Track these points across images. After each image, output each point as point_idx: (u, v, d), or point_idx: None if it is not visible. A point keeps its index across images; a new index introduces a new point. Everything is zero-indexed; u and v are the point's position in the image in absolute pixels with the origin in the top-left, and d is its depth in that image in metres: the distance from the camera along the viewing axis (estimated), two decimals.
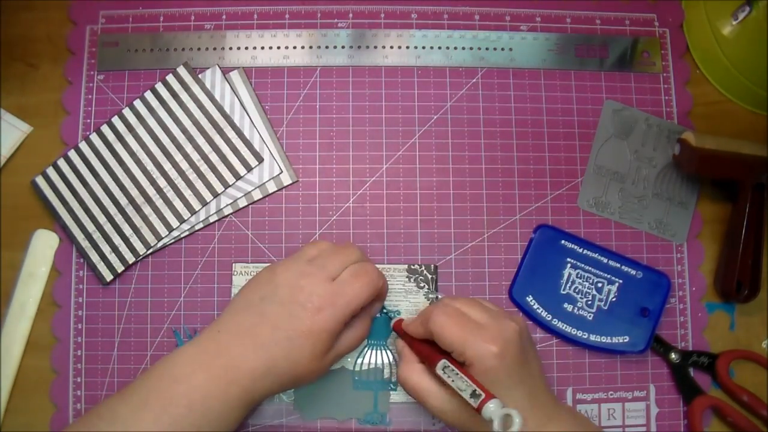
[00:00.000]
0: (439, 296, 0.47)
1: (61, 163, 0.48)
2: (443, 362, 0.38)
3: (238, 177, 0.48)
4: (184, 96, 0.49)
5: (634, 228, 0.49)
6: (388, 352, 0.46)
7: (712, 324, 0.48)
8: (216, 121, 0.49)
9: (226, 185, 0.48)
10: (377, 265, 0.47)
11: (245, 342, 0.38)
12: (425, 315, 0.41)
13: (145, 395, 0.36)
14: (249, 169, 0.48)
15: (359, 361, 0.46)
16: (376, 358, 0.46)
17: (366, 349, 0.46)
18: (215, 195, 0.48)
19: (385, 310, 0.46)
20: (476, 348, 0.37)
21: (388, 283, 0.47)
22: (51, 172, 0.48)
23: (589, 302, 0.47)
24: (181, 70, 0.49)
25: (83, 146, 0.48)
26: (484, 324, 0.39)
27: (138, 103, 0.49)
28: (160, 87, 0.49)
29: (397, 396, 0.46)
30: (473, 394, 0.35)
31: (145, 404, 0.36)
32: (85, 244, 0.47)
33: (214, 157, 0.48)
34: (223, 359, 0.38)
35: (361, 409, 0.46)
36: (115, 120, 0.48)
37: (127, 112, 0.49)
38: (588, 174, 0.49)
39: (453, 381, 0.37)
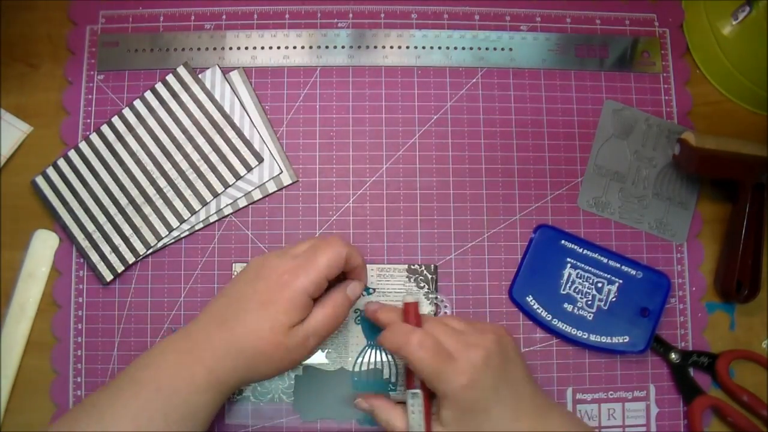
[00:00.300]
0: (439, 296, 0.47)
1: (61, 163, 0.48)
2: (412, 392, 0.39)
3: (238, 177, 0.48)
4: (184, 96, 0.49)
5: (634, 228, 0.49)
6: (388, 352, 0.46)
7: (712, 324, 0.48)
8: (216, 121, 0.49)
9: (226, 185, 0.48)
10: (377, 265, 0.47)
11: (211, 323, 0.39)
12: (401, 333, 0.39)
13: (120, 384, 0.37)
14: (249, 169, 0.48)
15: (359, 361, 0.46)
16: (375, 358, 0.46)
17: (366, 349, 0.46)
18: (215, 195, 0.48)
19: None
20: (447, 383, 0.37)
21: (390, 282, 0.47)
22: (51, 172, 0.48)
23: (589, 302, 0.47)
24: (181, 70, 0.49)
25: (83, 146, 0.48)
26: (454, 353, 0.38)
27: (138, 103, 0.49)
28: (160, 87, 0.49)
29: (396, 396, 0.46)
30: None
31: (119, 392, 0.37)
32: (85, 244, 0.47)
33: (214, 157, 0.48)
34: (189, 341, 0.38)
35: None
36: (115, 120, 0.48)
37: (127, 112, 0.49)
38: (588, 174, 0.49)
39: (413, 413, 0.39)
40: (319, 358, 0.46)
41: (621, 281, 0.47)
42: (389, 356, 0.46)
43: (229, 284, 0.41)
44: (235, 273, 0.47)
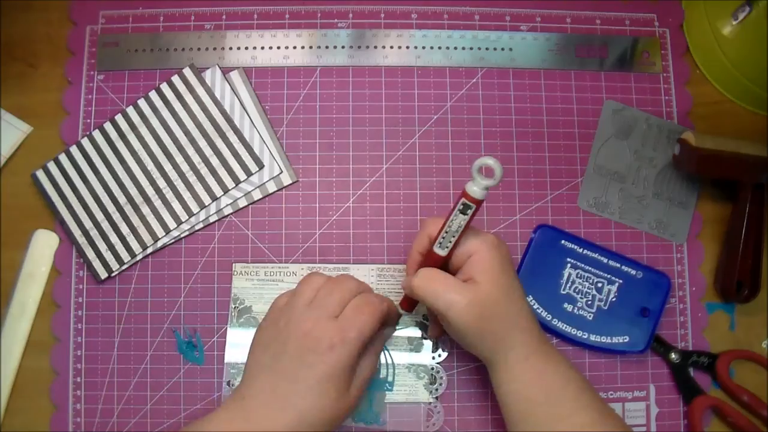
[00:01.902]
0: None
1: (62, 158, 0.48)
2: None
3: (237, 182, 0.48)
4: (188, 98, 0.49)
5: (634, 228, 0.49)
6: (386, 352, 0.46)
7: (712, 324, 0.48)
8: (219, 125, 0.49)
9: (226, 189, 0.48)
10: (377, 265, 0.47)
11: (271, 404, 0.37)
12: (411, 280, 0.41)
13: None
14: (249, 174, 0.48)
15: None
16: None
17: None
18: (214, 198, 0.48)
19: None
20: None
21: (390, 282, 0.47)
22: (52, 166, 0.48)
23: (589, 302, 0.47)
24: (187, 72, 0.49)
25: (85, 142, 0.48)
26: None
27: (142, 103, 0.49)
28: (164, 87, 0.49)
29: (392, 396, 0.46)
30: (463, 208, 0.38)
31: None
32: (81, 240, 0.47)
33: (215, 161, 0.48)
34: (251, 425, 0.37)
35: (356, 409, 0.46)
36: (119, 118, 0.48)
37: (130, 111, 0.49)
38: (588, 174, 0.49)
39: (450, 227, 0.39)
40: None
41: (621, 281, 0.47)
42: (387, 357, 0.46)
43: (266, 357, 0.39)
44: (235, 273, 0.47)
